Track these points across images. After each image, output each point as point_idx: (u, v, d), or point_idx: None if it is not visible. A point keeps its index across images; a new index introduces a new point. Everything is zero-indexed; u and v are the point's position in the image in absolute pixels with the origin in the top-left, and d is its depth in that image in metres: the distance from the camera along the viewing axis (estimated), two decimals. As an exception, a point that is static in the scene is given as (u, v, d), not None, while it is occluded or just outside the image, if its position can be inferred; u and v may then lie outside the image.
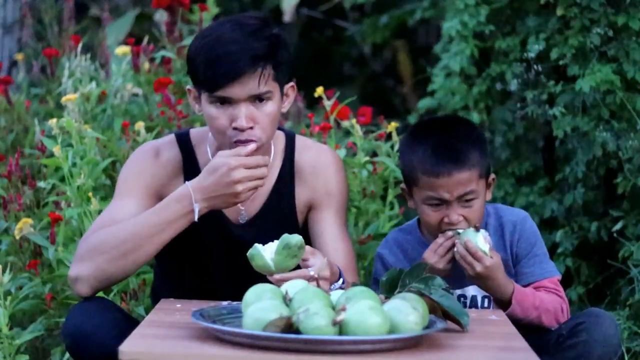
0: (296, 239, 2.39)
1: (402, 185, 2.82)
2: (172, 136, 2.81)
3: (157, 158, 2.76)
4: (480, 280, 2.64)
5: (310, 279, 2.37)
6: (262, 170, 2.55)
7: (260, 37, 2.58)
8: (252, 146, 2.55)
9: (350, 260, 2.76)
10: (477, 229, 2.63)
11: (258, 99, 2.59)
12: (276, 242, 2.41)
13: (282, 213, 2.78)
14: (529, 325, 2.66)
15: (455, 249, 2.64)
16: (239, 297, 2.28)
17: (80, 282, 2.59)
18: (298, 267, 2.44)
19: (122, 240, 2.57)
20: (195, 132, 2.81)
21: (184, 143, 2.78)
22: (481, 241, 2.61)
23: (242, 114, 2.57)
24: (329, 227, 2.77)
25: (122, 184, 2.75)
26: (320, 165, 2.81)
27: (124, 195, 2.72)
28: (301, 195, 2.79)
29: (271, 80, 2.59)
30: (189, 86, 2.69)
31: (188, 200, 2.56)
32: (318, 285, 2.29)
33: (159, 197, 2.70)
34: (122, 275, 2.60)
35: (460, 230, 2.65)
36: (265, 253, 2.40)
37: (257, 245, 2.41)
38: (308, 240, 2.77)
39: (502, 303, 2.67)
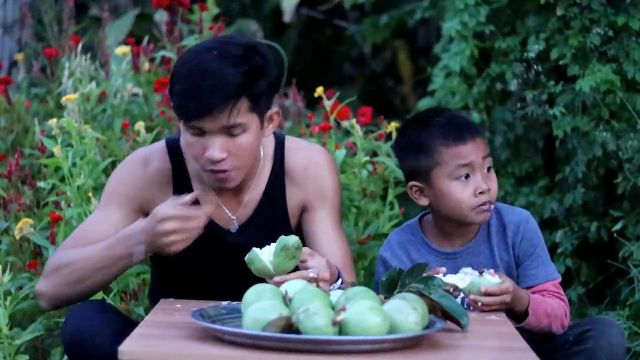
0: (293, 239, 2.39)
1: (411, 183, 2.75)
2: (162, 144, 2.78)
3: (145, 169, 2.74)
4: (509, 304, 2.60)
5: (310, 280, 2.37)
6: (193, 224, 2.46)
7: (240, 69, 2.53)
8: (187, 197, 2.48)
9: (346, 260, 2.75)
10: (480, 273, 2.55)
11: (231, 130, 2.55)
12: (273, 244, 2.40)
13: (275, 217, 2.76)
14: (536, 331, 2.66)
15: (479, 305, 2.53)
16: (238, 298, 2.28)
17: (42, 298, 2.66)
18: (297, 269, 2.43)
19: (77, 268, 2.59)
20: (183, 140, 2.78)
21: (174, 152, 2.75)
22: (490, 278, 2.54)
23: (214, 145, 2.54)
24: (323, 227, 2.76)
25: (106, 195, 2.75)
26: (311, 166, 2.78)
27: (105, 206, 2.73)
28: (293, 198, 2.77)
29: (245, 112, 2.54)
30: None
31: (136, 238, 2.53)
32: (318, 286, 2.29)
33: (143, 210, 2.70)
34: (77, 298, 2.63)
35: (463, 286, 2.54)
36: (264, 256, 2.40)
37: (255, 249, 2.41)
38: (303, 242, 2.76)
39: (517, 316, 2.64)
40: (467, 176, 2.69)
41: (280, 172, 2.77)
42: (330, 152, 2.89)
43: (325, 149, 2.87)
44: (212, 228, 2.70)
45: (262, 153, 2.74)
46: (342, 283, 2.54)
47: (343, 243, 2.78)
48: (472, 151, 2.69)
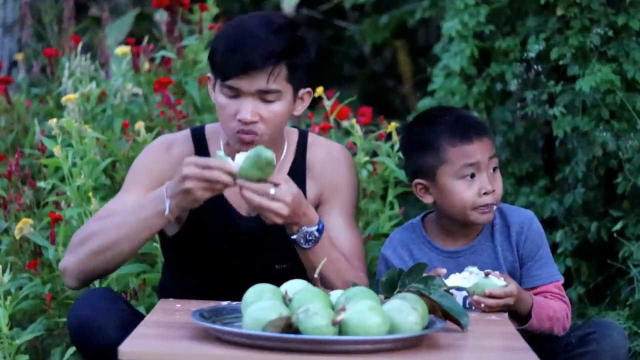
0: (268, 153, 2.44)
1: (416, 181, 2.75)
2: (187, 131, 2.85)
3: (168, 152, 2.78)
4: (513, 306, 2.61)
5: (267, 195, 2.45)
6: (214, 173, 2.48)
7: (283, 35, 2.62)
8: (211, 159, 2.52)
9: (355, 251, 2.77)
10: (486, 275, 2.56)
11: (266, 95, 2.61)
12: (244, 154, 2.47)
13: None
14: (537, 333, 2.66)
15: (482, 306, 2.54)
16: (245, 290, 2.29)
17: (67, 275, 2.65)
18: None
19: (104, 235, 2.60)
20: (210, 128, 2.84)
21: (198, 138, 2.81)
22: (495, 280, 2.54)
23: (247, 107, 2.61)
24: (333, 220, 2.78)
25: (130, 176, 2.78)
26: (330, 160, 2.83)
27: (128, 188, 2.76)
28: (311, 191, 2.81)
29: (282, 79, 2.62)
30: (209, 73, 2.73)
31: (162, 197, 2.56)
32: (318, 286, 2.29)
33: None
34: (103, 270, 2.64)
35: (467, 286, 2.55)
36: (235, 159, 2.46)
37: (220, 153, 2.48)
38: None
39: (520, 317, 2.64)
40: (472, 176, 2.69)
41: (302, 165, 2.82)
42: (349, 152, 2.93)
43: (345, 148, 2.92)
44: (229, 212, 2.75)
45: (286, 142, 2.80)
46: (318, 231, 2.58)
47: (353, 236, 2.80)
48: (479, 151, 2.69)
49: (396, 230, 2.89)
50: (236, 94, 2.62)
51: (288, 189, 2.51)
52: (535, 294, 2.70)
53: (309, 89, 2.73)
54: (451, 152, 2.69)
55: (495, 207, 2.71)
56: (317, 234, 2.60)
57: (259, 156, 2.44)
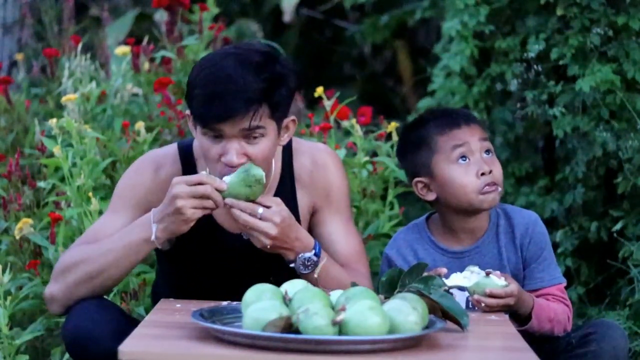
0: (257, 171, 2.45)
1: (416, 179, 2.77)
2: (174, 148, 2.78)
3: (156, 174, 2.73)
4: (513, 307, 2.61)
5: (256, 214, 2.47)
6: (202, 189, 2.48)
7: (260, 76, 2.53)
8: (201, 175, 2.51)
9: (356, 252, 2.77)
10: (487, 275, 2.56)
11: (250, 133, 2.55)
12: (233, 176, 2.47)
13: None
14: (538, 335, 2.67)
15: (482, 305, 2.54)
16: (241, 295, 2.28)
17: (54, 303, 2.65)
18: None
19: (90, 264, 2.59)
20: (197, 145, 2.76)
21: (186, 157, 2.75)
22: (496, 279, 2.55)
23: (232, 149, 2.54)
24: (331, 226, 2.77)
25: (116, 197, 2.75)
26: (317, 168, 2.80)
27: (115, 209, 2.73)
28: (303, 201, 2.78)
29: (266, 118, 2.55)
30: (188, 111, 2.65)
31: (148, 223, 2.55)
32: (318, 286, 2.29)
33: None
34: (91, 296, 2.61)
35: (468, 285, 2.55)
36: (225, 178, 2.48)
37: (204, 173, 2.49)
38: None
39: (520, 318, 2.65)
40: (465, 158, 2.70)
41: (290, 176, 2.78)
42: (334, 151, 2.89)
43: (328, 148, 2.88)
44: (223, 234, 2.73)
45: (273, 159, 2.74)
46: (316, 255, 2.59)
47: (352, 236, 2.79)
48: (467, 133, 2.72)
49: (400, 230, 2.90)
50: (219, 134, 2.55)
51: (278, 210, 2.51)
52: (538, 296, 2.70)
53: (292, 117, 2.67)
54: (440, 139, 2.73)
55: (499, 189, 2.71)
56: (315, 258, 2.60)
57: (248, 173, 2.45)
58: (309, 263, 2.60)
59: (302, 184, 2.78)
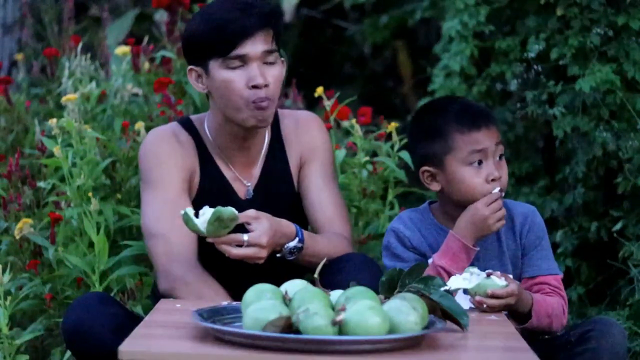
0: (229, 211, 2.46)
1: (424, 168, 2.77)
2: (174, 123, 2.90)
3: (177, 139, 2.83)
4: (513, 305, 2.62)
5: (241, 243, 2.51)
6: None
7: (260, 5, 2.70)
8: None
9: (337, 210, 2.86)
10: (488, 276, 2.57)
11: (268, 57, 2.69)
12: (211, 210, 2.47)
13: (280, 182, 2.87)
14: (537, 331, 2.67)
15: (484, 306, 2.55)
16: (243, 284, 2.31)
17: (176, 295, 2.70)
18: (241, 229, 2.54)
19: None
20: (194, 117, 2.91)
21: (190, 127, 2.86)
22: (497, 280, 2.56)
23: (258, 72, 2.67)
24: (313, 180, 2.87)
25: (157, 170, 2.79)
26: (300, 126, 2.92)
27: (162, 183, 2.77)
28: (292, 159, 2.89)
29: (274, 44, 2.71)
30: (191, 66, 2.75)
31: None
32: (318, 286, 2.29)
33: (190, 179, 2.80)
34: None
35: (470, 286, 2.56)
36: (200, 220, 2.48)
37: (188, 211, 2.49)
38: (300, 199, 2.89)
39: (520, 316, 2.65)
40: (479, 162, 2.71)
41: (278, 138, 2.89)
42: (316, 115, 3.01)
43: (313, 114, 3.01)
44: (231, 195, 2.83)
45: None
46: (300, 241, 2.65)
47: (334, 195, 2.88)
48: (486, 138, 2.72)
49: (404, 211, 2.93)
50: (242, 63, 2.69)
51: (260, 228, 2.55)
52: (535, 284, 2.74)
53: (282, 58, 2.79)
54: (459, 139, 2.72)
55: (503, 193, 2.73)
56: (299, 244, 2.68)
57: (220, 218, 2.47)
58: (294, 250, 2.67)
59: (289, 144, 2.90)
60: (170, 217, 2.69)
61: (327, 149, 2.93)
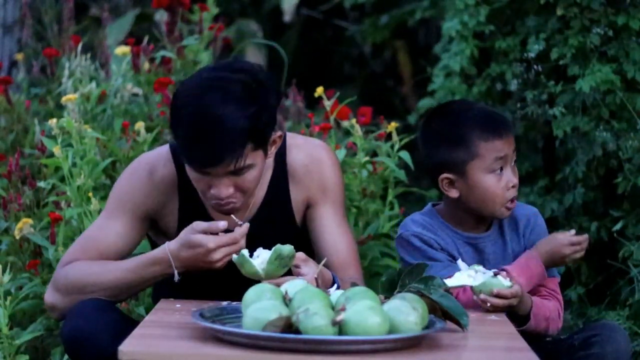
0: (288, 249, 2.41)
1: (444, 175, 2.74)
2: (166, 149, 2.77)
3: (151, 177, 2.73)
4: (514, 307, 2.63)
5: None
6: (240, 244, 2.50)
7: (245, 112, 2.49)
8: (223, 224, 2.52)
9: (350, 254, 2.77)
10: (495, 275, 2.57)
11: (238, 172, 2.54)
12: (266, 251, 2.42)
13: (279, 216, 2.77)
14: (534, 334, 2.67)
15: (488, 305, 2.55)
16: (238, 298, 2.29)
17: (56, 311, 2.69)
18: (289, 272, 2.48)
19: (100, 287, 2.62)
20: None
21: (179, 157, 2.72)
22: (502, 280, 2.56)
23: (220, 186, 2.55)
24: (326, 223, 2.77)
25: (113, 202, 2.75)
26: (313, 163, 2.78)
27: (111, 214, 2.73)
28: (297, 196, 2.78)
29: (252, 152, 2.54)
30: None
31: (167, 263, 2.58)
32: (317, 286, 2.29)
33: (150, 218, 2.73)
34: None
35: (475, 284, 2.56)
36: (256, 261, 2.42)
37: (244, 252, 2.43)
38: (308, 240, 2.78)
39: (519, 318, 2.65)
40: (501, 169, 2.73)
41: (283, 170, 2.77)
42: (330, 147, 2.88)
43: (325, 144, 2.86)
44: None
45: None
46: (337, 288, 2.56)
47: (348, 238, 2.79)
48: (506, 145, 2.73)
49: (413, 215, 2.87)
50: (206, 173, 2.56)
51: (311, 273, 2.49)
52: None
53: (279, 133, 2.63)
54: (483, 147, 2.71)
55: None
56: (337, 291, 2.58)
57: (281, 256, 2.41)
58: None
59: (296, 179, 2.77)
60: (100, 246, 2.69)
61: (339, 188, 2.81)
